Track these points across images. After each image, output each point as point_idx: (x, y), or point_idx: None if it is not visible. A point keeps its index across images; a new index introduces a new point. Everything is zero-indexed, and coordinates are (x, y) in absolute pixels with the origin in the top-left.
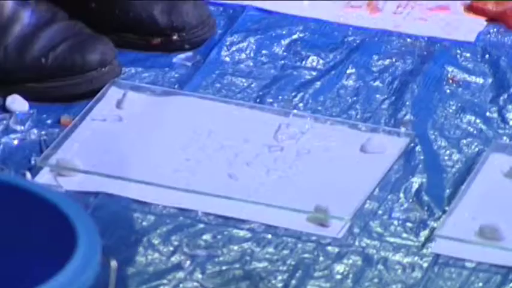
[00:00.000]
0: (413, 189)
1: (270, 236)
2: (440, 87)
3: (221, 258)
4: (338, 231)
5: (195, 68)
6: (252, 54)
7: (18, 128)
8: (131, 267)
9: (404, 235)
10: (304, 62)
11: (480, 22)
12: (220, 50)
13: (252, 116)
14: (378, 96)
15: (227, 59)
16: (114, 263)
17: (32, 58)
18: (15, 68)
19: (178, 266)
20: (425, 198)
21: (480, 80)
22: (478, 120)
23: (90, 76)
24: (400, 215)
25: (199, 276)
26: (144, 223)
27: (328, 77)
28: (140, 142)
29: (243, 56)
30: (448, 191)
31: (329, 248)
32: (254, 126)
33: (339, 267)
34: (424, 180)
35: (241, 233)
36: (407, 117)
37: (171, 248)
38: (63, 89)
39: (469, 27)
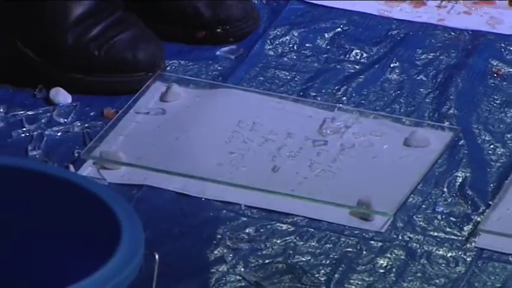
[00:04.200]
0: (457, 184)
1: (313, 229)
2: (485, 81)
3: (264, 252)
4: (381, 225)
5: (239, 61)
6: (295, 48)
7: (62, 120)
8: (174, 260)
9: (448, 229)
10: (347, 56)
11: None
12: (264, 43)
13: (295, 109)
14: (421, 90)
15: (270, 52)
16: (157, 256)
17: (86, 47)
18: (69, 53)
19: (221, 259)
20: (469, 192)
21: None
22: None
23: (139, 77)
24: (443, 209)
25: (242, 269)
26: (187, 216)
27: (372, 70)
28: (184, 135)
29: (287, 49)
30: (492, 185)
31: (372, 242)
32: (298, 119)
33: (382, 261)
34: (468, 174)
35: (284, 226)
36: (451, 111)
37: (214, 241)
38: (110, 85)
39: None
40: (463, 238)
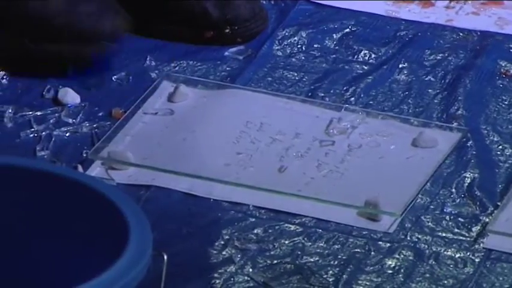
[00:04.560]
0: (466, 184)
1: (321, 230)
2: (493, 82)
3: (272, 253)
4: (389, 226)
5: (247, 61)
6: (303, 48)
7: (70, 120)
8: (182, 260)
9: (456, 230)
10: (356, 56)
11: None
12: (272, 43)
13: (303, 110)
14: (430, 90)
15: (279, 52)
16: (165, 256)
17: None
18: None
19: (229, 260)
20: (478, 193)
21: None
22: None
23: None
24: (452, 210)
25: (250, 270)
26: (195, 217)
27: (380, 71)
28: (191, 135)
29: (295, 49)
30: (500, 186)
31: (380, 242)
32: (305, 120)
33: (390, 262)
34: (476, 175)
35: (292, 227)
36: (460, 111)
37: (222, 242)
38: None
39: None
40: (472, 239)
